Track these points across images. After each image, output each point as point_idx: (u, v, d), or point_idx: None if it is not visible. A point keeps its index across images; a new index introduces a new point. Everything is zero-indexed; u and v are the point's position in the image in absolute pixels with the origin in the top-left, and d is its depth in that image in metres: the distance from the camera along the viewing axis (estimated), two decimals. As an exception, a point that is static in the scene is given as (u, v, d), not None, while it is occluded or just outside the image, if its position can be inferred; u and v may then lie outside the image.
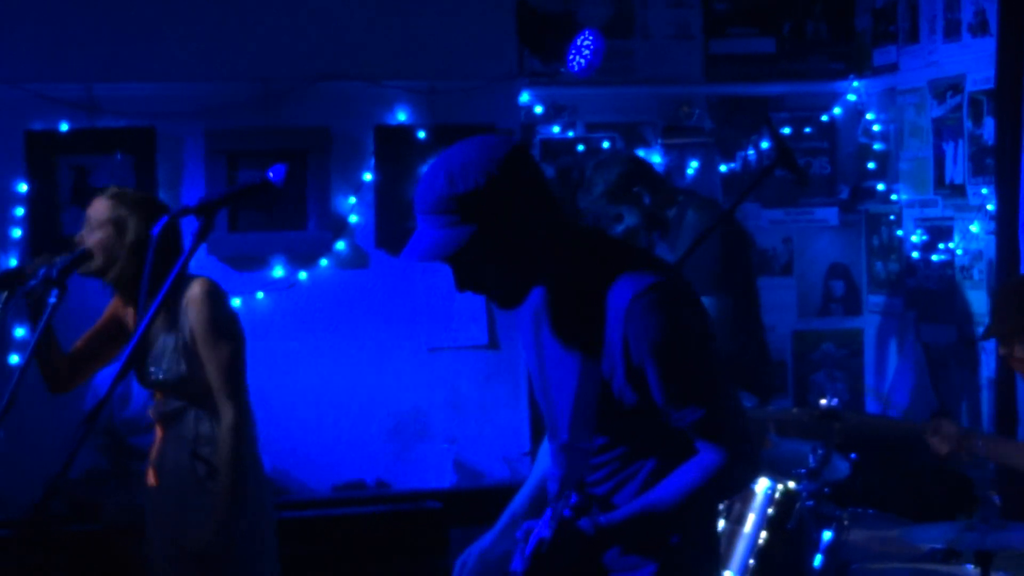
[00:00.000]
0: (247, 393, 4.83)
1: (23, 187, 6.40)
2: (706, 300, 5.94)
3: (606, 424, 3.40)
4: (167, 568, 4.85)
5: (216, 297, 4.80)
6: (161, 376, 4.79)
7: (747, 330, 6.19)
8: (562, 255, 3.40)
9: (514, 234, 3.32)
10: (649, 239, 6.24)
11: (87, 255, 4.76)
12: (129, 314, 4.95)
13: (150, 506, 4.95)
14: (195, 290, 4.75)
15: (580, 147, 7.61)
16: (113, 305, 5.03)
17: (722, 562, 5.16)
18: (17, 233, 6.38)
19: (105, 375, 5.88)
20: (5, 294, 4.77)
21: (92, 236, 4.82)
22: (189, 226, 3.66)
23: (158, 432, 4.92)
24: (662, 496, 3.36)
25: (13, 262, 6.30)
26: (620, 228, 6.25)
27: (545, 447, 3.78)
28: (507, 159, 3.30)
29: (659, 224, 6.17)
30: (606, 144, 7.54)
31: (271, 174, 4.06)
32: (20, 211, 6.39)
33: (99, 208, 4.84)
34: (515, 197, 3.32)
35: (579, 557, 3.32)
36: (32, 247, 6.35)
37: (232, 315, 4.87)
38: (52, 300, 4.51)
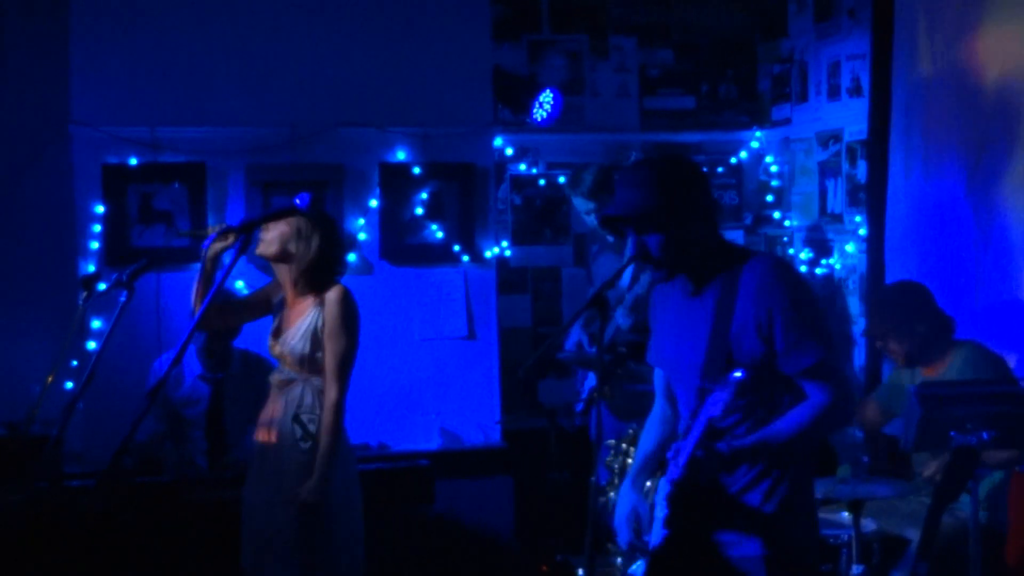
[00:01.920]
0: (349, 381, 4.83)
1: (100, 209, 6.35)
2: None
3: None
4: (265, 510, 4.84)
5: (348, 302, 4.82)
6: (288, 349, 4.82)
7: None
8: (709, 251, 3.52)
9: (690, 221, 3.47)
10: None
11: (150, 263, 4.72)
12: (278, 296, 4.96)
13: (256, 457, 4.94)
14: (334, 293, 4.79)
15: (542, 181, 7.62)
16: (269, 285, 5.02)
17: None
18: (95, 245, 6.35)
19: (163, 361, 5.88)
20: (85, 293, 4.75)
21: (277, 228, 4.80)
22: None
23: (273, 395, 4.92)
24: (780, 428, 3.43)
25: (91, 268, 6.26)
26: (592, 223, 6.33)
27: (657, 414, 3.89)
28: (705, 176, 3.58)
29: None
30: (562, 179, 7.53)
31: (298, 201, 4.07)
32: (97, 228, 6.35)
33: (284, 232, 4.82)
34: (701, 199, 3.50)
35: (717, 469, 3.42)
36: (107, 256, 6.31)
37: (356, 319, 4.85)
38: (122, 299, 4.49)
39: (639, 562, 3.64)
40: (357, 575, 4.92)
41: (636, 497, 3.79)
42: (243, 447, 5.80)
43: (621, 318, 6.12)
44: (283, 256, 4.82)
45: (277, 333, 4.89)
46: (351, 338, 4.81)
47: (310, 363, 4.80)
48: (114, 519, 5.23)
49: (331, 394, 4.75)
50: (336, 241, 4.89)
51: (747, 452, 3.43)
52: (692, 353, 3.54)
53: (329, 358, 4.77)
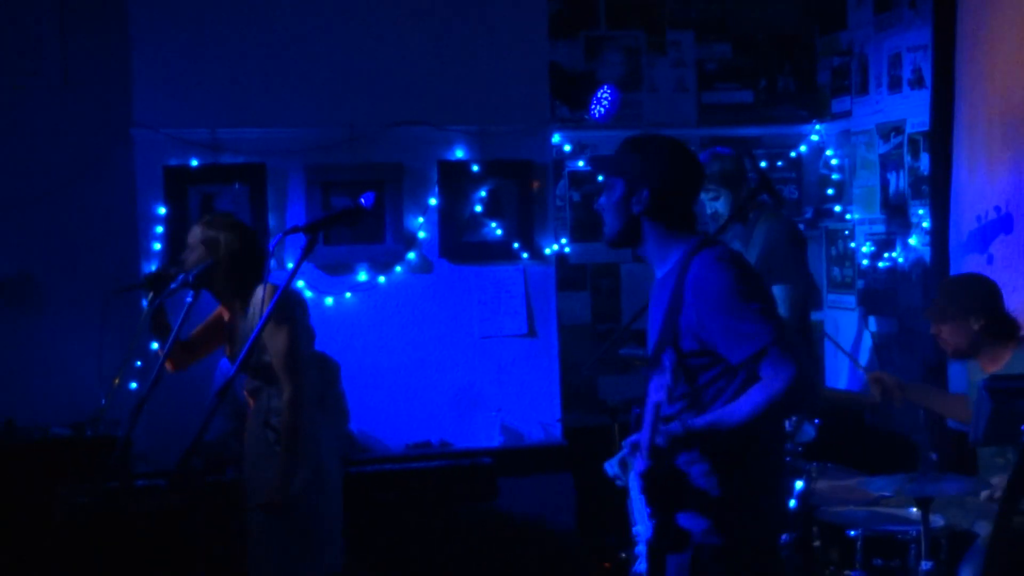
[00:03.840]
0: (305, 372, 4.80)
1: (162, 210, 6.41)
2: (777, 289, 5.97)
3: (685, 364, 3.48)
4: (252, 515, 4.88)
5: (280, 296, 4.76)
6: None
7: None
8: (662, 231, 3.59)
9: (651, 187, 3.56)
10: (730, 225, 6.21)
11: (214, 267, 4.76)
12: (226, 314, 4.94)
13: (243, 462, 4.97)
14: (260, 293, 4.75)
15: (600, 177, 7.59)
16: (220, 308, 5.03)
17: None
18: (157, 246, 6.40)
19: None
20: (152, 294, 4.81)
21: (191, 256, 4.82)
22: (290, 242, 3.72)
23: (249, 405, 4.94)
24: (733, 409, 3.41)
25: (154, 269, 6.31)
26: (711, 208, 6.27)
27: None
28: (694, 171, 3.66)
29: (742, 216, 6.23)
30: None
31: (363, 200, 4.07)
32: (159, 229, 6.41)
33: (194, 233, 4.87)
34: (674, 184, 3.59)
35: (677, 451, 3.40)
36: (169, 257, 6.36)
37: (291, 311, 4.80)
38: (188, 300, 4.54)
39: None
40: (336, 569, 4.91)
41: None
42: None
43: None
44: (220, 278, 4.81)
45: (232, 354, 4.87)
46: (291, 331, 4.75)
47: (264, 369, 4.79)
48: (185, 518, 5.28)
49: (287, 392, 4.72)
50: (245, 240, 4.84)
51: (702, 432, 3.40)
52: (653, 342, 3.62)
53: (275, 358, 4.74)
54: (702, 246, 3.56)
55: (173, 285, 4.66)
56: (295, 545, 4.74)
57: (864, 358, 7.41)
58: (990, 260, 6.11)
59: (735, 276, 3.44)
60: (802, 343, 6.15)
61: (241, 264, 4.79)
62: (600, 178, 3.67)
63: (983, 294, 5.28)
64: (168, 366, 5.03)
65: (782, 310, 5.97)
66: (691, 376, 3.49)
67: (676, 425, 3.40)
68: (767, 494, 3.57)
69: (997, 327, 5.23)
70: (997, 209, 6.11)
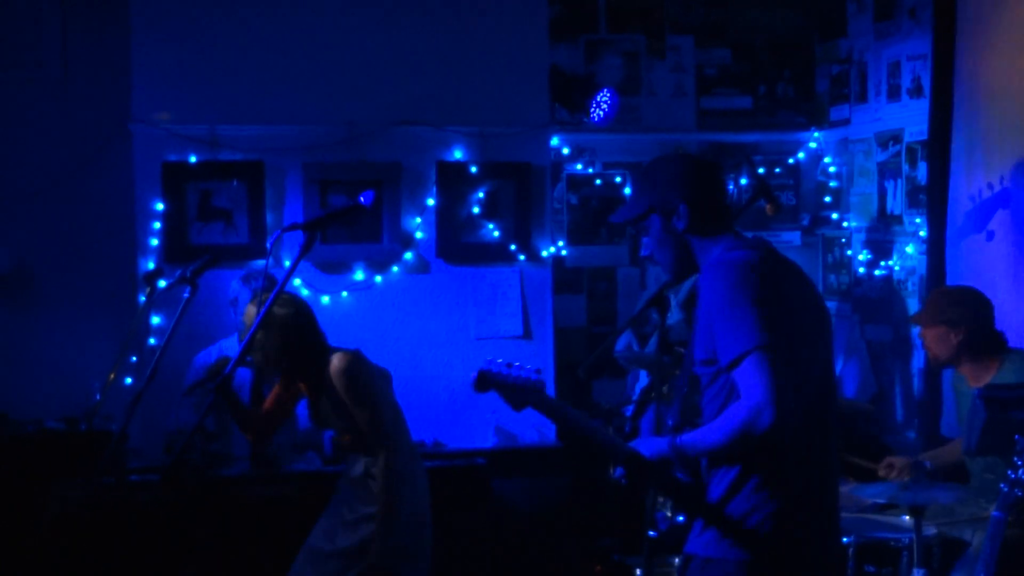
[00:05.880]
0: (397, 433, 4.83)
1: (160, 206, 6.41)
2: None
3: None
4: (311, 556, 4.87)
5: (350, 371, 4.74)
6: (331, 423, 4.86)
7: None
8: (692, 255, 3.51)
9: (667, 224, 3.48)
10: None
11: (214, 260, 4.74)
12: (304, 388, 4.94)
13: (332, 503, 4.96)
14: (334, 364, 4.73)
15: (598, 181, 7.61)
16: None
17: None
18: (154, 242, 6.41)
19: (204, 356, 5.93)
20: (148, 289, 4.81)
21: (266, 342, 4.78)
22: (287, 239, 3.73)
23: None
24: (706, 434, 3.34)
25: (151, 265, 6.32)
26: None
27: None
28: (699, 162, 3.58)
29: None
30: (619, 179, 7.53)
31: (363, 199, 4.07)
32: (157, 225, 6.41)
33: (249, 315, 4.83)
34: (677, 198, 3.46)
35: (662, 465, 3.41)
36: (166, 253, 6.36)
37: (367, 378, 4.79)
38: (186, 295, 4.53)
39: None
40: None
41: None
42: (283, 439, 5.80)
43: (675, 313, 6.07)
44: (269, 358, 4.78)
45: (316, 416, 4.91)
46: (372, 400, 4.76)
47: (353, 429, 4.81)
48: (177, 513, 5.27)
49: (380, 458, 4.75)
50: (300, 312, 4.81)
51: (685, 450, 3.37)
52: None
53: (364, 427, 4.76)
54: (731, 248, 3.45)
55: (170, 280, 4.66)
56: None
57: (857, 368, 7.42)
58: (981, 271, 6.10)
59: (739, 277, 3.32)
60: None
61: (299, 335, 4.77)
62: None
63: (971, 307, 5.25)
64: (250, 439, 5.11)
65: None
66: (698, 386, 3.45)
67: (665, 440, 3.37)
68: (768, 505, 3.40)
69: (980, 342, 5.19)
70: (991, 221, 6.11)
